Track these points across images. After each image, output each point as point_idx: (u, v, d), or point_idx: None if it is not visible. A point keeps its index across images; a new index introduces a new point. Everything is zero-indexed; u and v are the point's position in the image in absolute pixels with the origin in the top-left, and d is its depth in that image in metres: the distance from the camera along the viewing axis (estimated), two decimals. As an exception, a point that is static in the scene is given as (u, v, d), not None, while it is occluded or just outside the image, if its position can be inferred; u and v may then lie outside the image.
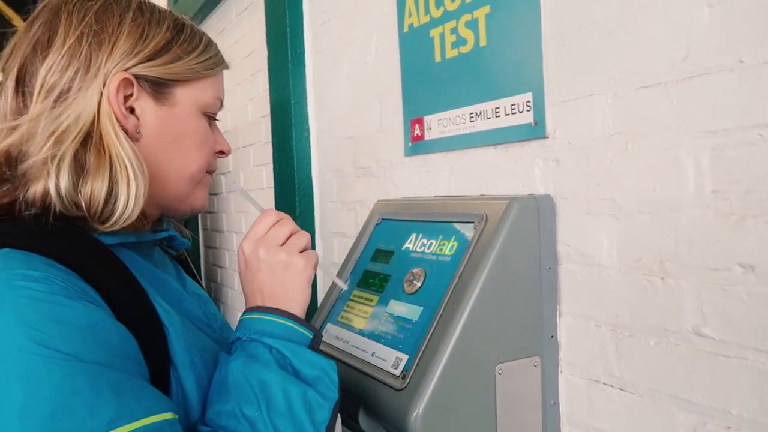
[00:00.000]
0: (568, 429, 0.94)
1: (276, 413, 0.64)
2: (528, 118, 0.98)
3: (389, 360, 0.93)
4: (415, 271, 1.00)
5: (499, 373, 0.88)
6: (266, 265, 0.75)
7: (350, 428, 1.07)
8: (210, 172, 0.78)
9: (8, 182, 0.65)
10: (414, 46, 1.25)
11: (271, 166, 2.02)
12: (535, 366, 0.92)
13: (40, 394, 0.52)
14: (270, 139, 2.01)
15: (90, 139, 0.65)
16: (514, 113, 1.00)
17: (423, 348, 0.87)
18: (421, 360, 0.86)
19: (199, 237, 2.98)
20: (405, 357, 0.90)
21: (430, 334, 0.88)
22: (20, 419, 0.51)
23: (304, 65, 1.70)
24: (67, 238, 0.63)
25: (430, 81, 1.21)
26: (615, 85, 0.84)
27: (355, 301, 1.11)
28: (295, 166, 1.70)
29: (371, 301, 1.07)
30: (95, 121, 0.65)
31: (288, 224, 0.78)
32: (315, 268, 0.77)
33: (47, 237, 0.61)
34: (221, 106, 0.78)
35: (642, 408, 0.82)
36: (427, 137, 1.23)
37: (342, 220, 1.60)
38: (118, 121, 0.67)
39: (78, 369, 0.54)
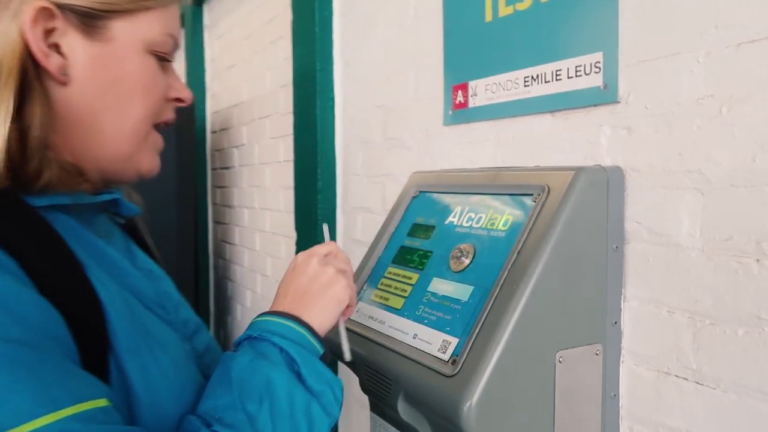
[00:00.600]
0: (628, 424, 0.85)
1: (278, 415, 0.60)
2: (596, 80, 0.88)
3: (435, 343, 0.84)
4: (462, 246, 0.91)
5: (560, 361, 0.79)
6: (313, 272, 0.73)
7: (384, 415, 0.99)
8: (163, 124, 0.68)
9: None
10: (460, 5, 1.14)
11: (290, 138, 1.93)
12: (596, 354, 0.83)
13: None
14: (290, 110, 1.91)
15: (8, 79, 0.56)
16: (579, 76, 0.91)
17: (476, 331, 0.78)
18: (475, 344, 0.77)
19: (207, 212, 2.89)
20: (454, 340, 0.81)
21: (484, 316, 0.79)
22: None
23: (331, 29, 1.60)
24: None
25: (477, 43, 1.10)
26: (709, 41, 0.74)
27: (390, 278, 1.02)
28: (318, 137, 1.60)
29: (410, 278, 0.98)
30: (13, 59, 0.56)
31: (346, 260, 0.78)
32: (347, 304, 0.75)
33: None
34: (176, 45, 0.67)
35: (725, 404, 0.73)
36: (471, 104, 1.13)
37: (367, 194, 1.51)
38: (36, 59, 0.57)
39: None
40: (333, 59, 1.60)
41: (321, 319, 0.70)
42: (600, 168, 0.83)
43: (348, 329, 1.01)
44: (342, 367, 1.65)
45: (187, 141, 2.27)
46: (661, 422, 0.81)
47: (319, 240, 1.62)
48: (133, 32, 0.62)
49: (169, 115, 0.69)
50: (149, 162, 0.68)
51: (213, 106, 2.79)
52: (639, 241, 0.83)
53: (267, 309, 0.73)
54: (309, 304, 0.71)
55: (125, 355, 0.57)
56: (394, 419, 0.96)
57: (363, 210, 1.53)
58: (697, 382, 0.76)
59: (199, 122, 2.83)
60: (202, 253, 2.89)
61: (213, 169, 2.85)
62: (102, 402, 0.50)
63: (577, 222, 0.80)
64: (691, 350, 0.77)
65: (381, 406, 0.96)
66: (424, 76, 1.27)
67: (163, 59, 0.66)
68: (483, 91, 1.10)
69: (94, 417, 0.49)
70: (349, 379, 1.64)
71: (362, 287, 1.07)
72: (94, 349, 0.54)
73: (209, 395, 0.61)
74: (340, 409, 0.66)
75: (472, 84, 1.13)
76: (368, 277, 1.07)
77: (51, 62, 0.58)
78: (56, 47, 0.59)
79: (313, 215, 1.63)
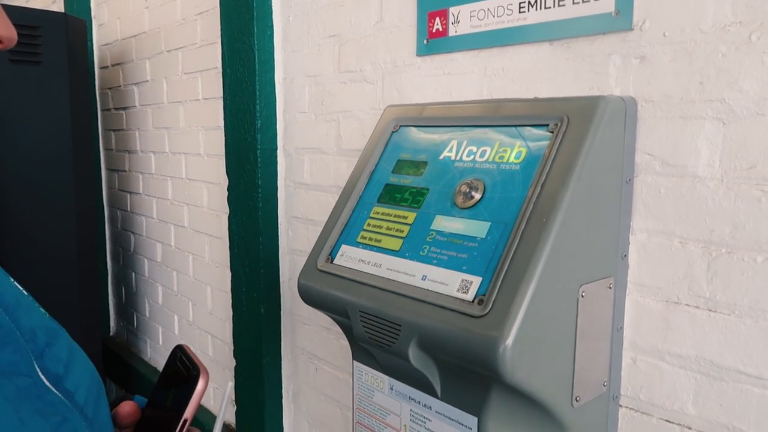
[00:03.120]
0: (630, 355, 0.86)
1: None
2: (606, 6, 0.84)
3: (452, 284, 0.78)
4: (470, 181, 0.85)
5: (582, 296, 0.77)
6: None
7: (374, 360, 0.93)
8: None
9: None
10: None
11: (211, 72, 1.73)
12: (609, 288, 0.82)
13: None
14: (211, 40, 1.71)
15: None
16: (587, 1, 0.86)
17: (504, 268, 0.73)
18: (504, 282, 0.73)
19: (100, 158, 2.57)
20: (476, 279, 0.76)
21: (512, 253, 0.74)
22: None
23: (268, -53, 1.42)
24: None
25: (461, -36, 1.02)
26: (740, -36, 0.72)
27: (379, 218, 0.94)
28: (256, 69, 1.44)
29: (405, 218, 0.90)
30: None
31: None
32: None
33: None
34: None
35: (740, 329, 0.76)
36: (451, 33, 1.06)
37: (317, 133, 1.39)
38: None
39: None
40: (271, -19, 1.43)
41: None
42: (618, 98, 0.80)
43: (335, 275, 0.93)
44: (286, 317, 1.56)
45: (81, 80, 1.97)
46: (668, 350, 0.82)
47: (260, 184, 1.49)
48: None
49: None
50: None
51: (102, 37, 2.44)
52: (650, 174, 0.82)
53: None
54: None
55: None
56: (388, 365, 0.90)
57: (312, 150, 1.41)
58: (710, 310, 0.78)
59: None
60: (98, 204, 2.58)
61: (104, 110, 2.52)
62: None
63: (598, 154, 0.77)
64: (705, 279, 0.78)
65: (372, 351, 0.89)
66: (391, 1, 1.16)
67: None
68: (467, 18, 1.02)
69: None
70: (294, 334, 1.56)
71: (342, 229, 0.98)
72: None
73: None
74: None
75: (453, 10, 1.05)
76: (348, 218, 0.99)
77: None
78: None
79: (252, 157, 1.49)
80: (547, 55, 0.93)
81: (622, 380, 0.88)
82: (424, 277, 0.82)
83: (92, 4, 2.45)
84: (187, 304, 2.08)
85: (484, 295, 0.74)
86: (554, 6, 0.90)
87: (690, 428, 0.81)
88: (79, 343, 0.52)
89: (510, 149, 0.84)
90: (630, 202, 0.84)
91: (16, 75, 1.75)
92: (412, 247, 0.86)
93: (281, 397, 1.62)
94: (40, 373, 0.44)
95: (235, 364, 1.69)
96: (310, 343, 1.51)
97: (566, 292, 0.76)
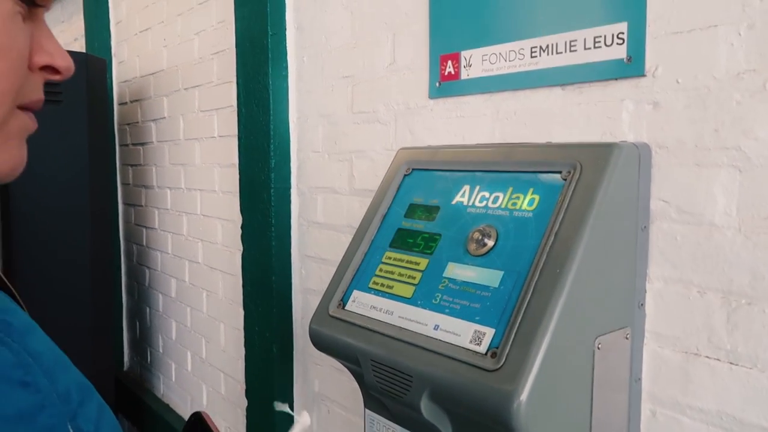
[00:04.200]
0: (650, 407, 0.84)
1: None
2: (619, 52, 0.84)
3: (464, 334, 0.77)
4: (483, 228, 0.84)
5: (599, 348, 0.76)
6: None
7: (386, 409, 0.91)
8: (26, 107, 0.46)
9: None
10: (451, -33, 1.06)
11: (226, 111, 1.76)
12: (626, 338, 0.80)
13: None
14: (227, 79, 1.74)
15: None
16: (599, 47, 0.86)
17: (518, 320, 0.72)
18: (518, 334, 0.71)
19: (117, 192, 2.61)
20: (489, 331, 0.75)
21: (525, 304, 0.73)
22: None
23: (283, -10, 1.45)
24: None
25: (473, 7, 1.03)
26: (752, 13, 0.72)
27: (391, 264, 0.93)
28: (270, 109, 1.46)
29: (417, 264, 0.90)
30: None
31: None
32: None
33: None
34: None
35: (763, 383, 0.73)
36: (463, 76, 1.06)
37: (330, 173, 1.40)
38: None
39: None
40: (286, 23, 1.46)
41: None
42: (632, 145, 0.80)
43: (347, 321, 0.92)
44: (314, 362, 1.54)
45: (100, 116, 2.01)
46: (688, 404, 0.80)
47: (273, 223, 1.49)
48: None
49: (37, 93, 0.46)
50: (13, 156, 0.46)
51: (121, 74, 2.50)
52: (666, 221, 0.81)
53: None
54: None
55: None
56: (400, 415, 0.88)
57: (325, 190, 1.42)
58: (731, 363, 0.76)
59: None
60: (113, 239, 2.60)
61: (123, 145, 2.57)
62: None
63: (613, 201, 0.76)
64: (725, 330, 0.76)
65: (393, 405, 0.87)
66: (404, 43, 1.17)
67: (31, 3, 0.43)
68: (479, 61, 1.03)
69: None
70: (306, 371, 1.54)
71: (354, 274, 0.97)
72: None
73: None
74: None
75: (465, 54, 1.05)
76: (361, 262, 0.98)
77: None
78: None
79: (265, 195, 1.50)
80: (560, 100, 0.92)
81: (641, 433, 0.85)
82: (436, 327, 0.81)
83: (113, 42, 2.52)
84: (200, 340, 2.07)
85: (497, 348, 0.72)
86: (566, 51, 0.90)
87: (714, 486, 0.78)
88: (90, 377, 0.53)
89: (523, 196, 0.83)
90: (646, 250, 0.83)
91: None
92: (425, 295, 0.85)
93: (293, 439, 1.60)
94: None
95: (246, 404, 1.67)
96: (322, 385, 1.50)
97: (582, 345, 0.74)
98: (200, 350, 2.07)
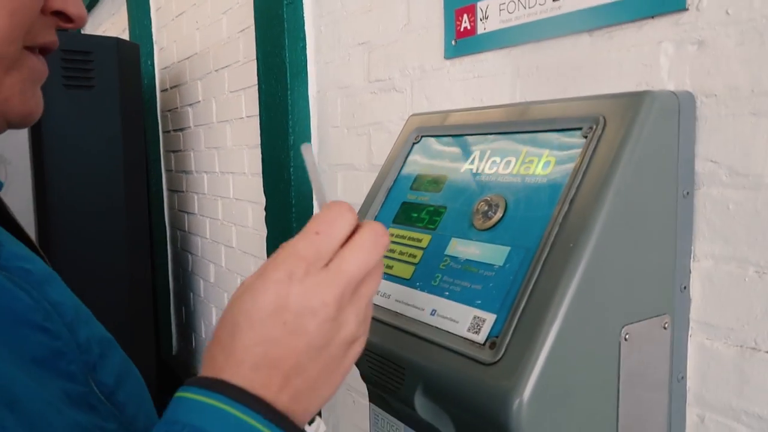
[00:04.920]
0: (697, 411, 0.70)
1: None
2: (655, -17, 0.69)
3: (463, 321, 0.65)
4: (489, 198, 0.72)
5: (626, 339, 0.62)
6: (324, 336, 0.38)
7: (389, 405, 0.81)
8: (39, 47, 0.46)
9: None
10: None
11: (253, 89, 1.69)
12: (665, 328, 0.67)
13: None
14: (252, 57, 1.68)
15: None
16: (631, -20, 0.72)
17: (522, 304, 0.60)
18: (521, 322, 0.59)
19: (162, 180, 2.63)
20: (490, 317, 0.63)
21: (531, 285, 0.60)
22: None
23: (299, -44, 1.36)
24: None
25: (489, -48, 0.90)
26: None
27: (394, 242, 0.82)
28: (288, 84, 1.38)
29: (419, 240, 0.79)
30: None
31: (379, 243, 0.41)
32: None
33: None
34: None
35: (841, 388, 0.58)
36: (480, 30, 0.93)
37: (349, 148, 1.30)
38: None
39: None
40: (303, -8, 1.37)
41: (314, 406, 0.40)
42: (670, 93, 0.65)
43: (342, 306, 0.82)
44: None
45: (134, 102, 2.00)
46: (744, 409, 0.65)
47: (293, 203, 1.42)
48: None
49: (49, 36, 0.46)
50: (23, 99, 0.45)
51: (162, 61, 2.50)
52: (715, 185, 0.66)
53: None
54: (302, 390, 0.39)
55: None
56: (404, 414, 0.78)
57: (345, 167, 1.32)
58: (799, 359, 0.61)
59: (147, 80, 2.54)
60: (157, 225, 2.63)
61: (165, 131, 2.57)
62: None
63: (644, 162, 0.62)
64: (790, 319, 0.61)
65: (392, 401, 0.77)
66: (417, 1, 1.06)
67: None
68: (496, 12, 0.90)
69: None
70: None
71: (356, 254, 0.87)
72: None
73: None
74: None
75: (480, 5, 0.93)
76: (363, 241, 0.88)
77: None
78: None
79: (286, 175, 1.42)
80: (587, 49, 0.78)
81: (686, 441, 0.71)
82: (433, 312, 0.70)
83: (153, 29, 2.52)
84: (236, 325, 2.04)
85: (497, 337, 0.61)
86: (593, -11, 0.76)
87: None
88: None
89: (537, 159, 0.71)
90: (690, 222, 0.68)
91: (69, 99, 1.79)
92: (424, 276, 0.74)
93: (320, 429, 1.52)
94: (93, 385, 0.45)
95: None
96: (352, 379, 1.41)
97: (603, 335, 0.61)
98: (236, 336, 2.04)
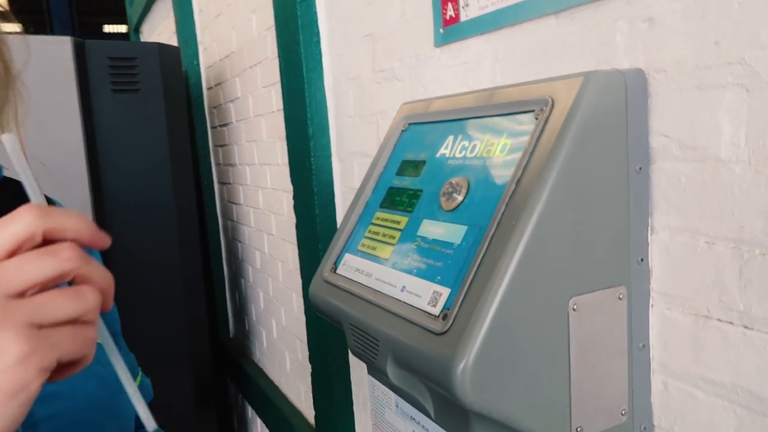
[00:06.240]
0: (661, 379, 0.72)
1: None
2: (607, -36, 0.71)
3: (425, 296, 0.71)
4: (454, 181, 0.77)
5: (574, 309, 0.66)
6: None
7: (385, 380, 0.87)
8: None
9: None
10: None
11: (278, 84, 1.78)
12: (620, 299, 0.69)
13: None
14: (277, 53, 1.76)
15: None
16: (587, -39, 0.73)
17: (470, 279, 0.65)
18: (468, 294, 0.64)
19: (212, 173, 2.78)
20: (445, 291, 0.68)
21: (478, 261, 0.65)
22: None
23: (309, -46, 1.42)
24: None
25: (466, -59, 0.93)
26: None
27: (378, 224, 0.88)
28: (304, 77, 1.45)
29: (398, 223, 0.84)
30: None
31: (49, 257, 0.36)
32: (46, 366, 0.35)
33: None
34: None
35: (781, 353, 0.59)
36: (462, 17, 0.97)
37: (362, 137, 1.36)
38: None
39: None
40: (314, -12, 1.43)
41: None
42: (615, 71, 0.67)
43: (335, 285, 0.89)
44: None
45: (177, 101, 2.14)
46: (700, 375, 0.67)
47: (315, 192, 1.50)
48: None
49: None
50: None
51: (206, 60, 2.64)
52: (668, 159, 0.68)
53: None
54: None
55: None
56: (393, 385, 0.85)
57: (359, 155, 1.39)
58: (745, 326, 0.62)
59: (194, 79, 2.69)
60: (210, 215, 2.79)
61: (212, 127, 2.72)
62: None
63: (590, 140, 0.65)
64: (737, 287, 0.62)
65: (375, 373, 0.84)
66: (411, -8, 1.10)
67: None
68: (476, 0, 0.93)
69: None
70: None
71: (348, 237, 0.94)
72: None
73: None
74: None
75: (462, -7, 0.96)
76: (355, 225, 0.94)
77: None
78: None
79: (307, 165, 1.50)
80: (553, 31, 0.81)
81: (654, 408, 0.73)
82: (402, 288, 0.75)
83: (197, 31, 2.66)
84: (280, 309, 2.16)
85: (449, 309, 0.66)
86: (555, -28, 0.78)
87: (734, 472, 0.65)
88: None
89: (497, 141, 0.74)
90: (647, 195, 0.70)
91: (118, 102, 1.95)
92: (399, 255, 0.80)
93: (352, 404, 1.61)
94: None
95: (311, 369, 1.72)
96: (373, 350, 1.48)
97: (549, 306, 0.65)
98: (281, 318, 2.16)
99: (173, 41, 2.99)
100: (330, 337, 1.56)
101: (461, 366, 0.61)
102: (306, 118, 1.47)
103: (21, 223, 0.35)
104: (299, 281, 1.86)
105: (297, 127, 1.53)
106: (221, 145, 2.63)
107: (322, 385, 1.64)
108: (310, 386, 1.83)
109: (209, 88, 2.67)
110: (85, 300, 0.36)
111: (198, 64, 2.69)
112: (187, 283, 2.15)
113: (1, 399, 0.33)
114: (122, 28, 15.91)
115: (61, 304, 0.35)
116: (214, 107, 2.64)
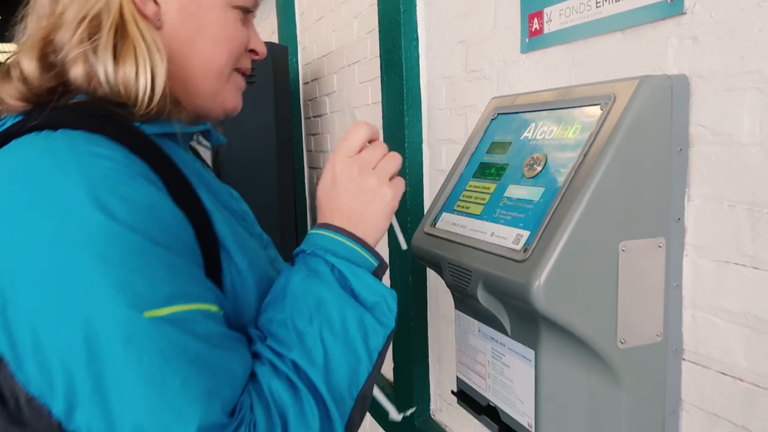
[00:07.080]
0: (691, 312, 0.94)
1: (330, 332, 0.63)
2: (664, -6, 0.93)
3: (509, 237, 0.96)
4: (535, 156, 1.01)
5: (623, 250, 0.89)
6: (355, 187, 0.72)
7: (467, 310, 1.13)
8: (240, 71, 0.77)
9: (55, 67, 0.65)
10: (536, -66, 1.21)
11: (377, 81, 2.05)
12: (659, 247, 0.92)
13: (107, 265, 0.53)
14: (376, 54, 2.04)
15: (117, 23, 0.65)
16: (648, -9, 0.96)
17: (545, 224, 0.89)
18: (544, 234, 0.88)
19: (303, 159, 3.11)
20: (526, 233, 0.93)
21: (552, 211, 0.89)
22: (83, 288, 0.52)
23: (414, -28, 1.69)
24: (116, 123, 0.62)
25: (552, -30, 1.17)
26: (770, -56, 0.78)
27: (471, 190, 1.14)
28: (404, 76, 1.72)
29: (488, 188, 1.09)
30: (120, 6, 0.66)
31: (380, 146, 0.75)
32: (399, 199, 0.75)
33: (101, 120, 0.61)
34: (256, 2, 0.76)
35: (777, 285, 0.80)
36: (546, 30, 1.20)
37: (451, 126, 1.62)
38: (137, 6, 0.67)
39: (140, 246, 0.54)
40: (416, 1, 1.70)
41: (374, 231, 0.72)
42: (664, 76, 0.90)
43: (435, 236, 1.15)
44: (431, 289, 1.80)
45: (283, 94, 2.46)
46: (720, 306, 0.89)
47: (407, 172, 1.76)
48: None
49: (247, 64, 0.78)
50: (233, 99, 0.77)
51: (304, 58, 2.96)
52: (703, 144, 0.90)
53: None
54: (359, 223, 0.71)
55: (236, 255, 0.66)
56: (475, 310, 1.10)
57: (447, 142, 1.64)
58: (755, 267, 0.83)
59: (292, 75, 3.02)
60: (300, 197, 3.12)
61: (306, 118, 3.04)
62: (214, 307, 0.59)
63: (640, 126, 0.88)
64: (749, 238, 0.84)
65: (463, 299, 1.09)
66: (502, 6, 1.34)
67: (245, 10, 0.75)
68: (558, 16, 1.17)
69: (213, 317, 0.58)
70: (437, 302, 1.80)
71: (446, 200, 1.19)
72: (210, 252, 0.62)
73: (267, 308, 0.66)
74: (395, 318, 0.68)
75: (547, 10, 1.19)
76: (451, 191, 1.20)
77: (147, 8, 0.68)
78: None
79: (400, 150, 1.77)
80: (620, 43, 1.03)
81: (684, 336, 0.95)
82: (492, 234, 1.00)
83: (297, 32, 2.99)
84: (362, 279, 2.44)
85: (528, 245, 0.90)
86: (623, -1, 1.01)
87: (742, 380, 0.87)
88: None
89: (570, 127, 0.98)
90: (686, 171, 0.92)
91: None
92: (489, 211, 1.05)
93: (428, 358, 1.87)
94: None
95: (392, 327, 1.98)
96: (450, 311, 1.74)
97: (603, 245, 0.88)
98: (362, 288, 2.44)
99: (272, 40, 3.34)
100: (411, 299, 1.82)
101: (537, 283, 0.85)
102: (403, 110, 1.74)
103: (365, 129, 0.75)
104: (381, 250, 2.14)
105: (393, 117, 1.80)
106: (314, 134, 2.95)
107: (403, 341, 1.91)
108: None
109: (305, 83, 2.99)
110: (400, 161, 0.77)
111: (296, 62, 3.01)
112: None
113: (385, 220, 0.74)
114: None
115: (394, 164, 0.76)
116: (309, 100, 2.96)
